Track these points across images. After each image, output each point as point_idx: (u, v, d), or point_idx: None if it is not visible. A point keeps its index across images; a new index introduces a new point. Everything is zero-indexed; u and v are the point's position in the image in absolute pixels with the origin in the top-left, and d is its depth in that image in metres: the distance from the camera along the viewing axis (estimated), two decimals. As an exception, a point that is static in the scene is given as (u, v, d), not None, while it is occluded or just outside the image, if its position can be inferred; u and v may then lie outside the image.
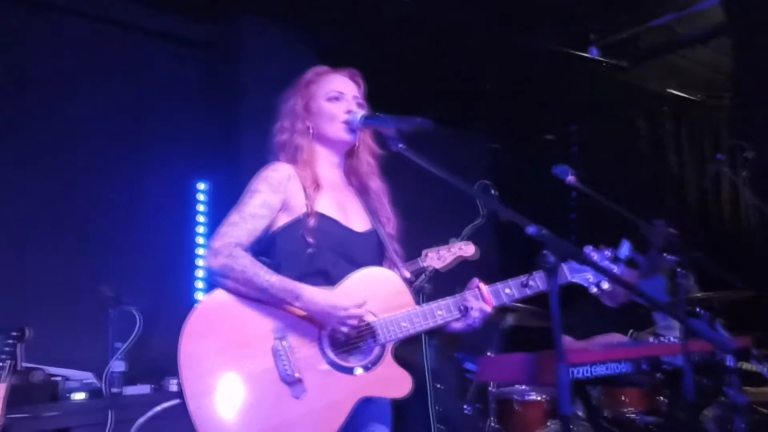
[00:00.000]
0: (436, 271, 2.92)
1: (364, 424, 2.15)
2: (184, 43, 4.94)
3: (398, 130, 2.00)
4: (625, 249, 2.15)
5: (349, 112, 2.22)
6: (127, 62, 4.61)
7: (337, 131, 2.23)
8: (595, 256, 2.24)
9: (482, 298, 2.14)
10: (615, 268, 2.22)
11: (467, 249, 2.73)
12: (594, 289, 2.19)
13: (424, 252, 2.64)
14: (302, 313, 2.03)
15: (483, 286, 2.16)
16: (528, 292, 2.16)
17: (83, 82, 4.39)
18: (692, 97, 6.41)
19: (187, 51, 4.94)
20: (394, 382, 2.03)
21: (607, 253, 2.24)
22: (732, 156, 4.60)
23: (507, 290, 2.16)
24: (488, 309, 2.14)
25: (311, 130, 2.25)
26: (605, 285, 2.19)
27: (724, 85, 5.80)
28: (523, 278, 2.15)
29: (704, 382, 4.01)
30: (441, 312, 2.12)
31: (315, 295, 1.99)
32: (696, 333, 1.72)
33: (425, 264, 2.68)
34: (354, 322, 2.01)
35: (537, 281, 2.13)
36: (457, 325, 2.17)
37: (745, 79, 4.90)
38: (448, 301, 2.14)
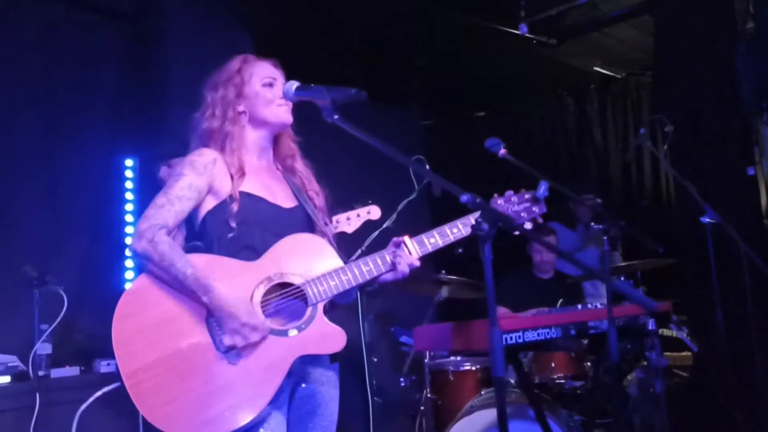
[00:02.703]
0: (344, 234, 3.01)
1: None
2: (106, 14, 4.72)
3: (333, 101, 1.99)
4: (543, 189, 2.20)
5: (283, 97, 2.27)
6: (44, 33, 4.35)
7: (277, 114, 2.27)
8: (514, 198, 2.30)
9: (407, 250, 2.19)
10: (537, 209, 2.27)
11: (374, 212, 2.85)
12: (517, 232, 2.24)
13: (334, 218, 2.69)
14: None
15: (407, 239, 2.21)
16: (451, 238, 2.20)
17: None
18: (616, 75, 6.62)
19: (109, 22, 4.73)
20: (328, 338, 2.09)
21: (527, 195, 2.29)
22: (653, 130, 4.78)
23: (431, 239, 2.21)
24: (415, 261, 2.19)
25: (246, 115, 2.28)
26: (528, 225, 2.27)
27: (645, 62, 5.99)
28: (445, 226, 2.21)
29: (628, 347, 4.22)
30: (368, 267, 2.17)
31: (224, 297, 2.00)
32: (622, 293, 1.79)
33: (338, 230, 2.75)
34: (239, 339, 1.99)
35: (460, 227, 2.19)
36: (385, 276, 2.22)
37: (665, 57, 5.08)
38: (375, 256, 2.20)
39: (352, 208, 3.09)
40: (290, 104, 2.29)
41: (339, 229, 2.84)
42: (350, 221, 2.80)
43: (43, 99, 4.31)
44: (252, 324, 1.99)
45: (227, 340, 1.99)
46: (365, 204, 3.21)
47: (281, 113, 2.27)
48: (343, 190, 2.55)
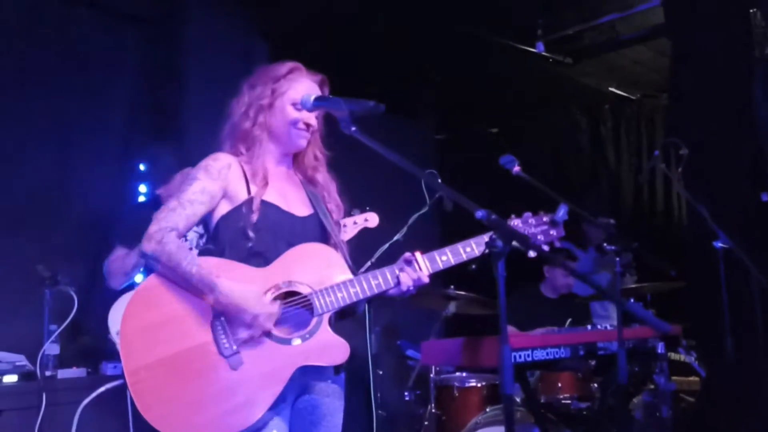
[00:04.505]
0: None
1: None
2: (123, 17, 4.76)
3: (351, 113, 2.00)
4: (562, 212, 2.17)
5: (307, 125, 2.26)
6: (61, 35, 4.38)
7: (291, 137, 2.26)
8: (532, 220, 2.27)
9: (418, 267, 2.17)
10: (554, 233, 2.24)
11: (372, 220, 2.76)
12: (532, 254, 2.22)
13: None
14: None
15: (419, 255, 2.18)
16: (464, 257, 2.17)
17: (11, 53, 4.16)
18: (630, 96, 6.62)
19: (127, 25, 4.76)
20: (331, 350, 2.08)
21: (545, 218, 2.26)
22: (667, 153, 4.76)
23: (443, 257, 2.19)
24: (425, 278, 2.17)
25: (271, 125, 2.27)
26: (544, 248, 2.22)
27: (661, 85, 5.99)
28: (459, 245, 2.19)
29: (636, 369, 4.18)
30: (377, 281, 2.15)
31: (231, 290, 2.01)
32: (634, 314, 1.78)
33: None
34: (258, 330, 2.02)
35: (474, 247, 2.17)
36: (393, 291, 2.19)
37: (681, 79, 5.07)
38: (385, 270, 2.17)
39: (350, 215, 3.00)
40: (310, 132, 2.27)
41: None
42: (346, 228, 2.75)
43: (58, 101, 4.34)
44: (265, 313, 2.00)
45: (243, 334, 1.99)
46: (363, 210, 3.12)
47: (297, 137, 2.26)
48: (354, 202, 2.54)
